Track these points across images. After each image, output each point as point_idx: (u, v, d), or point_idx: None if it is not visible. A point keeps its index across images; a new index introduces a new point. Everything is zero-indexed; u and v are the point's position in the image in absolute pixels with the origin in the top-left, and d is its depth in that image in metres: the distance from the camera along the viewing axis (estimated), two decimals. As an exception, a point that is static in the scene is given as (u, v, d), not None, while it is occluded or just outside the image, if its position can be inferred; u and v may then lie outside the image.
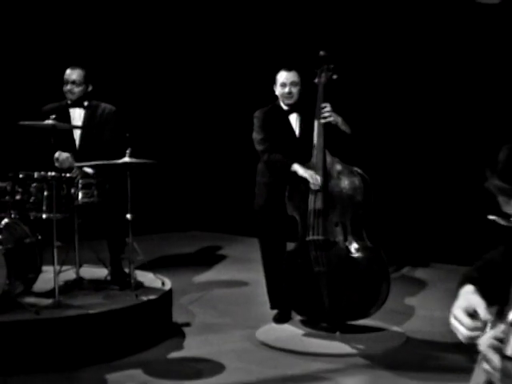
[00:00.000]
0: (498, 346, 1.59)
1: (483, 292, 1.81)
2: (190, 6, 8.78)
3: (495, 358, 1.58)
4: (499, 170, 1.61)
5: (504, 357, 1.58)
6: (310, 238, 4.65)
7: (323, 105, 4.77)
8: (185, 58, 8.98)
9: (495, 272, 1.87)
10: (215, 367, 4.18)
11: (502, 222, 1.64)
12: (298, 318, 5.01)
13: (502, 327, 1.63)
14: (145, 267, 5.31)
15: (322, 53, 4.92)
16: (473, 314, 1.76)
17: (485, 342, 1.63)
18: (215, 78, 8.93)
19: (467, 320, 1.75)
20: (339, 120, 4.79)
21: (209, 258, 7.79)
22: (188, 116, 9.13)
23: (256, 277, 5.28)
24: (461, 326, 1.75)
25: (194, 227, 9.50)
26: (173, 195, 9.15)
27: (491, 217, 1.66)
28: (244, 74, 8.36)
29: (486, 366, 1.63)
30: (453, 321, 1.79)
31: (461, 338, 1.70)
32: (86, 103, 5.22)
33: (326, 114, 4.75)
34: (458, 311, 1.79)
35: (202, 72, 9.00)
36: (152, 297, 4.72)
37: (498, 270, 1.87)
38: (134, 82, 8.51)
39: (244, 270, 6.73)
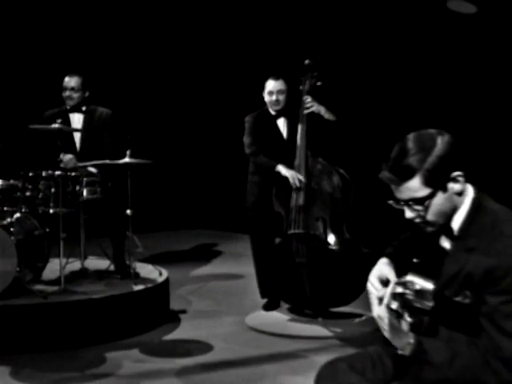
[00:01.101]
0: (389, 302, 1.99)
1: (395, 263, 2.24)
2: (186, 15, 9.16)
3: (385, 313, 1.99)
4: (390, 164, 2.03)
5: (390, 310, 1.98)
6: (292, 231, 5.06)
7: (304, 98, 5.18)
8: (181, 64, 9.38)
9: (405, 248, 2.30)
10: (204, 347, 4.60)
11: (395, 205, 2.07)
12: (285, 306, 5.42)
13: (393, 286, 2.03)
14: (145, 259, 5.74)
15: (306, 61, 5.33)
16: (386, 282, 2.18)
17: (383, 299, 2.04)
18: (211, 85, 9.37)
19: (378, 284, 2.18)
20: (322, 109, 5.15)
21: (207, 254, 8.22)
22: (185, 119, 9.54)
23: (251, 270, 5.65)
24: (373, 289, 2.17)
25: (199, 225, 9.95)
26: (176, 195, 9.61)
27: (389, 201, 2.08)
28: (237, 80, 8.77)
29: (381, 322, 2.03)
30: (368, 285, 2.21)
31: (372, 299, 2.11)
32: (84, 108, 5.54)
33: (309, 105, 5.15)
34: (372, 278, 2.22)
35: (199, 78, 9.41)
36: (149, 285, 5.15)
37: (407, 247, 2.30)
38: (134, 87, 8.92)
39: (240, 264, 7.14)
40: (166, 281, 5.41)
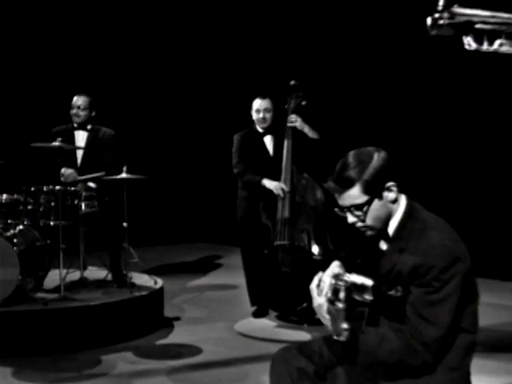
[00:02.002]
0: (326, 293, 2.30)
1: (346, 265, 2.56)
2: (176, 37, 9.61)
3: (324, 302, 2.30)
4: (334, 175, 2.36)
5: (328, 300, 2.30)
6: (278, 242, 5.37)
7: (290, 116, 5.51)
8: (176, 86, 9.83)
9: (355, 252, 2.62)
10: (194, 351, 4.90)
11: (339, 212, 2.39)
12: (274, 313, 5.71)
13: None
14: (144, 270, 6.05)
15: (292, 82, 5.68)
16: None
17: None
18: (203, 104, 9.87)
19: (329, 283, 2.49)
20: (306, 127, 5.49)
21: (204, 266, 8.55)
22: (180, 137, 9.94)
23: (244, 281, 5.86)
24: (315, 284, 2.48)
25: (198, 239, 10.27)
26: (175, 209, 9.97)
27: (335, 209, 2.40)
28: (227, 99, 9.23)
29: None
30: (321, 283, 2.52)
31: (313, 292, 2.42)
32: (89, 127, 5.88)
33: (293, 119, 5.48)
34: (325, 277, 2.54)
35: (192, 98, 9.91)
36: (144, 293, 5.46)
37: (357, 251, 2.61)
38: (131, 107, 9.33)
39: (234, 276, 7.42)
40: (161, 289, 5.72)
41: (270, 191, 5.45)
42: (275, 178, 5.49)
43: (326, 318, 2.27)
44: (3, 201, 5.23)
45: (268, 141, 5.74)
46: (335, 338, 2.23)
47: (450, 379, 2.26)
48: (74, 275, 5.79)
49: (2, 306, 4.83)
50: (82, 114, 5.85)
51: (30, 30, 8.56)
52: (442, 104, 7.32)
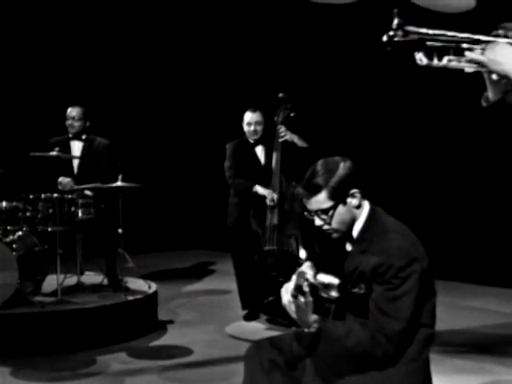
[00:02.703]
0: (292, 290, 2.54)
1: (315, 266, 2.78)
2: (171, 49, 9.84)
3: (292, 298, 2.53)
4: (303, 182, 2.59)
5: (293, 296, 2.53)
6: (267, 248, 5.60)
7: (279, 127, 5.74)
8: (170, 97, 10.10)
9: (325, 255, 2.84)
10: (186, 351, 5.12)
11: (308, 216, 2.61)
12: (264, 317, 5.91)
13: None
14: (138, 275, 6.26)
15: (280, 95, 5.90)
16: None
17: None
18: (196, 116, 10.16)
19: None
20: (295, 137, 5.71)
21: (199, 272, 8.75)
22: (175, 146, 10.19)
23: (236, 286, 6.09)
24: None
25: (194, 246, 10.49)
26: (172, 217, 10.21)
27: (305, 213, 2.63)
28: (220, 111, 9.50)
29: None
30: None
31: (283, 290, 2.64)
32: (84, 137, 6.10)
33: (282, 134, 5.70)
34: (311, 276, 2.76)
35: (186, 111, 10.17)
36: (138, 296, 5.68)
37: (327, 254, 2.84)
38: (125, 117, 9.54)
39: (227, 281, 7.55)
40: (155, 293, 5.94)
41: (259, 199, 5.66)
42: (265, 186, 5.70)
43: (294, 312, 2.48)
44: (3, 208, 5.45)
45: (259, 150, 5.95)
46: (306, 330, 2.45)
47: (410, 370, 2.47)
48: (72, 280, 5.99)
49: (1, 308, 5.04)
50: (77, 124, 6.06)
51: (26, 45, 8.76)
52: (404, 117, 7.71)
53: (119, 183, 5.66)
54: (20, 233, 5.46)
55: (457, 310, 6.21)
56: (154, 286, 6.05)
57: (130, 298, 5.60)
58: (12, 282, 5.08)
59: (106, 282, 5.98)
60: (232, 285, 7.01)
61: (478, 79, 2.26)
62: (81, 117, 6.06)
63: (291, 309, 2.51)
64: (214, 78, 9.78)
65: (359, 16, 7.64)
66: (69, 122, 6.06)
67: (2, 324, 5.01)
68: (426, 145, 7.74)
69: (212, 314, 6.39)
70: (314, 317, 2.44)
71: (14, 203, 5.50)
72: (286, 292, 2.56)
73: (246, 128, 5.91)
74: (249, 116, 5.88)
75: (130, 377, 4.55)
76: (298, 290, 2.50)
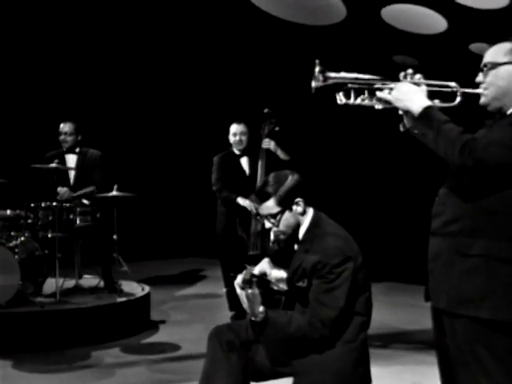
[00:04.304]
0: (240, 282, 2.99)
1: (273, 262, 3.22)
2: (163, 60, 10.24)
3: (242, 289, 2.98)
4: (256, 191, 3.05)
5: (242, 288, 2.97)
6: (251, 253, 6.01)
7: (264, 140, 6.16)
8: (161, 114, 10.64)
9: (281, 252, 3.28)
10: (174, 348, 5.55)
11: (260, 219, 3.06)
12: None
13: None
14: (131, 277, 6.70)
15: (266, 110, 6.32)
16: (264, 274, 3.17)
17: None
18: (187, 129, 10.70)
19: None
20: (278, 149, 6.14)
21: (192, 278, 9.21)
22: (167, 158, 10.74)
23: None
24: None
25: (190, 254, 10.94)
26: (168, 225, 10.72)
27: (257, 216, 3.08)
28: (208, 124, 10.06)
29: None
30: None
31: (237, 281, 3.08)
32: (77, 150, 6.50)
33: (267, 143, 6.12)
34: (256, 270, 3.20)
35: (177, 124, 10.69)
36: (131, 298, 6.12)
37: (282, 251, 3.28)
38: (122, 134, 10.03)
39: (219, 286, 7.93)
40: (147, 295, 6.37)
41: (245, 208, 6.08)
42: (250, 194, 6.11)
43: (244, 302, 2.93)
44: (7, 215, 5.91)
45: (244, 162, 6.37)
46: (253, 319, 2.89)
47: (346, 350, 2.90)
48: (70, 283, 6.44)
49: (4, 307, 5.49)
50: (70, 139, 6.45)
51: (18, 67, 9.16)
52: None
53: (114, 193, 6.09)
54: (22, 238, 5.89)
55: (421, 310, 6.59)
56: (146, 289, 6.48)
57: (124, 299, 6.03)
58: (14, 284, 5.52)
59: (102, 284, 6.41)
60: (221, 289, 7.48)
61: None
62: (72, 132, 6.44)
63: (242, 299, 2.95)
64: (204, 95, 10.40)
65: (343, 36, 8.09)
66: (62, 137, 6.44)
67: (5, 322, 5.45)
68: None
69: (202, 315, 6.82)
70: (260, 307, 2.89)
71: (17, 211, 5.94)
72: (237, 285, 3.00)
73: (231, 138, 6.33)
74: (234, 127, 6.32)
75: (120, 369, 4.99)
76: (246, 283, 2.94)
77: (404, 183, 8.91)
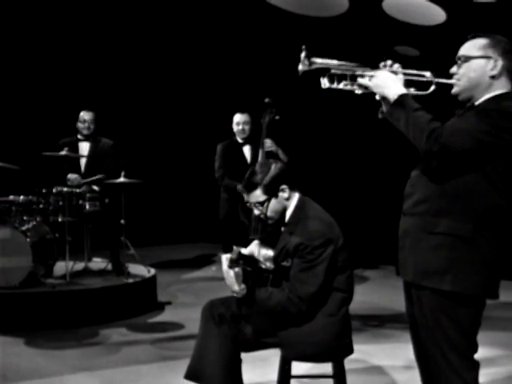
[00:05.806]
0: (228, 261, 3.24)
1: (262, 243, 3.47)
2: (171, 52, 10.46)
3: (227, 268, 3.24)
4: (244, 181, 3.29)
5: (229, 266, 3.23)
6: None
7: (265, 140, 6.40)
8: (169, 103, 10.89)
9: (270, 235, 3.54)
10: (178, 326, 5.84)
11: (249, 206, 3.31)
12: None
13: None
14: (138, 261, 6.97)
15: (266, 99, 6.53)
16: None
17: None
18: (193, 118, 10.97)
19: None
20: (279, 150, 6.40)
21: (201, 262, 9.49)
22: (175, 148, 10.98)
23: None
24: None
25: (201, 239, 11.23)
26: (180, 211, 11.02)
27: (247, 204, 3.32)
28: (212, 114, 10.31)
29: None
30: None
31: (223, 260, 3.33)
32: (91, 138, 6.80)
33: (268, 145, 6.37)
34: (245, 251, 3.45)
35: (183, 113, 10.98)
36: (137, 279, 6.40)
37: (269, 234, 3.53)
38: (130, 122, 10.27)
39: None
40: (153, 277, 6.64)
41: (245, 194, 6.32)
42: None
43: (228, 280, 3.18)
44: (20, 201, 6.18)
45: (246, 150, 6.62)
46: (235, 295, 3.15)
47: (328, 322, 3.16)
48: (80, 265, 6.74)
49: (17, 288, 5.79)
50: (92, 127, 6.74)
51: (36, 57, 9.42)
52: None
53: (122, 179, 6.35)
54: (34, 222, 6.19)
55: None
56: (152, 271, 6.76)
57: (131, 280, 6.31)
58: (26, 266, 5.82)
59: (110, 267, 6.69)
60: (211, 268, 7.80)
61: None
62: (93, 120, 6.72)
63: (227, 276, 3.21)
64: (209, 85, 10.64)
65: (346, 27, 8.29)
66: (84, 125, 6.70)
67: (18, 302, 5.75)
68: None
69: (207, 296, 6.97)
70: (241, 285, 3.15)
71: (29, 197, 6.22)
72: (225, 263, 3.26)
73: (235, 128, 6.59)
74: (238, 117, 6.57)
75: (126, 346, 5.27)
76: (233, 262, 3.20)
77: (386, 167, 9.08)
